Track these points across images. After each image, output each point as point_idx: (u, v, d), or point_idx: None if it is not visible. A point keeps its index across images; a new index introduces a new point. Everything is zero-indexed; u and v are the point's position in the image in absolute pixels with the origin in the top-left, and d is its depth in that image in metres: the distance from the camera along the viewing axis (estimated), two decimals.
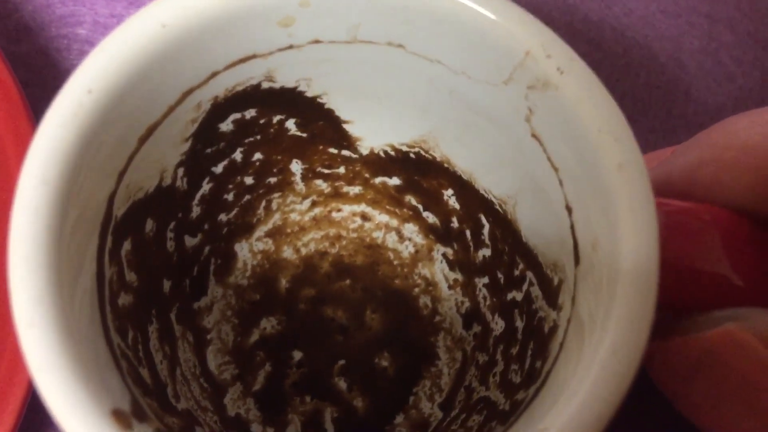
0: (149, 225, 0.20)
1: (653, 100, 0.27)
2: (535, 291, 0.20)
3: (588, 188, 0.17)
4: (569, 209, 0.17)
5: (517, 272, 0.21)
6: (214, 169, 0.21)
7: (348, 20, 0.18)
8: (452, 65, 0.18)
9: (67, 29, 0.27)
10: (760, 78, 0.27)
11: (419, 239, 0.25)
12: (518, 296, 0.21)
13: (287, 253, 0.25)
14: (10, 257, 0.14)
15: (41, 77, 0.27)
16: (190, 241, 0.22)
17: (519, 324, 0.21)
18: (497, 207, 0.21)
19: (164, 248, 0.21)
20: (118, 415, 0.14)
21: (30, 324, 0.14)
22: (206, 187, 0.22)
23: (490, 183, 0.21)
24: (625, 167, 0.16)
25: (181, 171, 0.20)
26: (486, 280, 0.23)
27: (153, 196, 0.19)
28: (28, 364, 0.14)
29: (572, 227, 0.17)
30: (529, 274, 0.20)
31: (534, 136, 0.18)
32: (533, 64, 0.17)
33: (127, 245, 0.19)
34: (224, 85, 0.19)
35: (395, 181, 0.24)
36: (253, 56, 0.18)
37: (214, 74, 0.18)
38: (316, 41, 0.19)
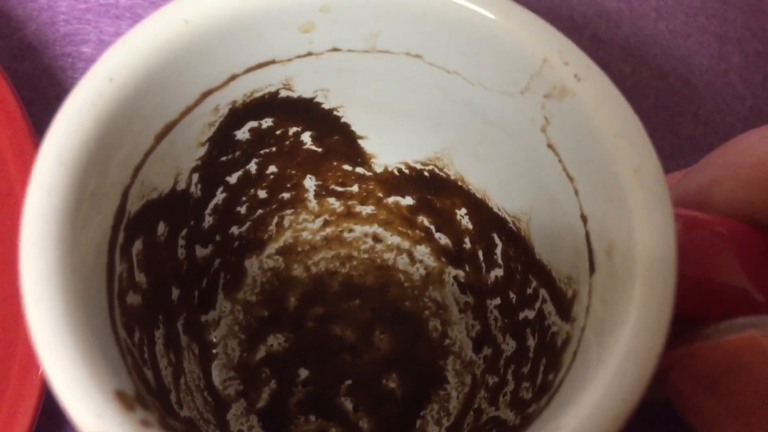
0: (161, 228, 0.20)
1: (661, 120, 0.27)
2: (548, 307, 0.20)
3: (603, 194, 0.16)
4: (584, 218, 0.17)
5: (530, 291, 0.21)
6: (228, 178, 0.22)
7: (367, 28, 0.18)
8: (469, 76, 0.19)
9: (71, 48, 0.27)
10: None
11: (430, 262, 0.24)
12: (530, 315, 0.21)
13: (297, 271, 0.24)
14: (22, 235, 0.14)
15: (45, 96, 0.27)
16: (201, 252, 0.22)
17: (531, 342, 0.20)
18: (511, 225, 0.21)
19: (175, 255, 0.21)
20: (121, 396, 0.13)
21: (38, 300, 0.14)
22: (220, 196, 0.22)
23: (504, 200, 0.21)
24: (641, 171, 0.16)
25: (196, 177, 0.20)
26: (498, 301, 0.22)
27: (167, 199, 0.19)
28: (34, 341, 0.13)
29: (587, 236, 0.17)
30: (542, 291, 0.20)
31: (549, 146, 0.18)
32: (550, 71, 0.17)
33: (138, 244, 0.19)
34: (243, 90, 0.19)
35: (408, 200, 0.24)
36: (273, 62, 0.19)
37: (234, 77, 0.18)
38: (335, 49, 0.19)
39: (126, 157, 0.17)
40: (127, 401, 0.13)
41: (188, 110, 0.18)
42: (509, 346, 0.22)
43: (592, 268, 0.17)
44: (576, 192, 0.18)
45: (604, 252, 0.16)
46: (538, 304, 0.20)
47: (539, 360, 0.19)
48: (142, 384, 0.17)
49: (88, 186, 0.15)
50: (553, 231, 0.19)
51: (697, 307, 0.17)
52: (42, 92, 0.27)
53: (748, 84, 0.27)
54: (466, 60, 0.18)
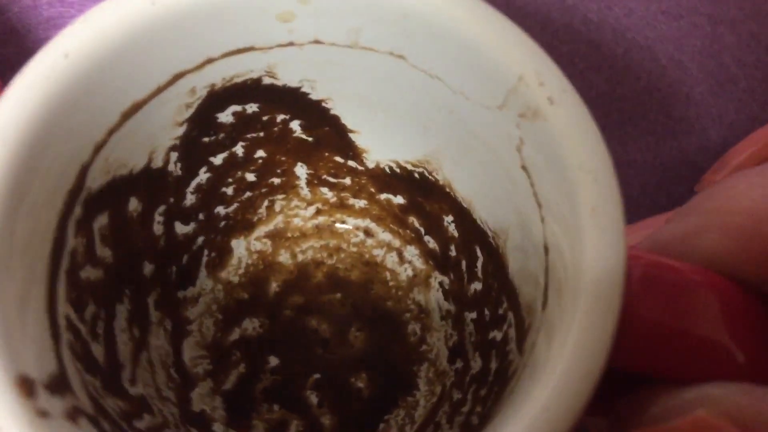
0: (133, 204, 0.20)
1: (654, 102, 0.26)
2: (512, 332, 0.19)
3: (563, 228, 0.15)
4: (546, 249, 0.16)
5: (501, 311, 0.20)
6: (212, 159, 0.21)
7: (348, 23, 0.17)
8: (451, 83, 0.18)
9: (54, 31, 0.26)
10: (763, 80, 0.25)
11: (419, 264, 0.24)
12: (498, 336, 0.20)
13: (283, 257, 0.24)
14: None
15: None
16: (181, 228, 0.22)
17: (493, 365, 0.20)
18: (491, 240, 0.20)
19: (150, 231, 0.21)
20: (22, 382, 0.13)
21: None
22: (203, 176, 0.22)
23: (486, 213, 0.20)
24: (598, 211, 0.14)
25: (174, 155, 0.20)
26: (474, 315, 0.22)
27: (139, 176, 0.19)
28: None
29: (546, 269, 0.16)
30: (510, 315, 0.19)
31: (523, 167, 0.17)
32: (525, 90, 0.16)
33: (102, 219, 0.19)
34: (221, 74, 0.19)
35: (400, 199, 0.23)
36: (252, 48, 0.18)
37: (210, 60, 0.18)
38: (317, 41, 0.18)
39: (85, 134, 0.17)
40: (26, 388, 0.13)
41: (159, 90, 0.18)
42: (477, 364, 0.21)
43: (544, 303, 0.16)
44: (542, 220, 0.17)
45: (555, 289, 0.15)
46: (505, 327, 0.19)
47: (494, 386, 0.19)
48: (80, 362, 0.17)
49: (33, 162, 0.15)
50: (523, 256, 0.18)
51: (672, 363, 0.16)
52: None
53: (742, 65, 0.25)
54: (448, 67, 0.17)
